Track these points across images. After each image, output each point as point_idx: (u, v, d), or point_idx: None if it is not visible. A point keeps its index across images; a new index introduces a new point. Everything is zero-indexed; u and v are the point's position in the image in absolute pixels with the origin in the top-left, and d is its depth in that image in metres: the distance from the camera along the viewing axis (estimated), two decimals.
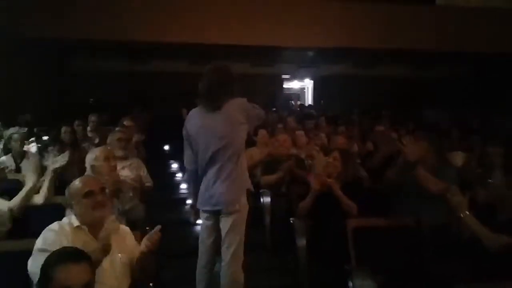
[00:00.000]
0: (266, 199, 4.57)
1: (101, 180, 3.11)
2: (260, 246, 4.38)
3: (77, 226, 2.34)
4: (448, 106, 10.16)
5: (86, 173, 3.38)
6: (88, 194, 2.37)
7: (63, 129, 5.26)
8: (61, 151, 4.24)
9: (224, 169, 3.08)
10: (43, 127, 6.37)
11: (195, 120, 3.18)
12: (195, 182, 3.28)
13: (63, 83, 10.21)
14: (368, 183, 4.50)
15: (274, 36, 8.71)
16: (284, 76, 13.36)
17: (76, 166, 4.05)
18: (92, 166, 3.36)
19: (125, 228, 2.55)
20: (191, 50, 9.60)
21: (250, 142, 5.81)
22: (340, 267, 3.01)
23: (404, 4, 9.40)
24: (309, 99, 14.40)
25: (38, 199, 3.24)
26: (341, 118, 8.29)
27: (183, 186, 6.71)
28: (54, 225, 2.34)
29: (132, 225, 3.17)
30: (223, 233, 3.12)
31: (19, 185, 3.98)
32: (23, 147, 5.09)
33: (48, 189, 3.22)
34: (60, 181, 3.66)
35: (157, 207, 5.52)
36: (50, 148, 4.29)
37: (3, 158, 4.93)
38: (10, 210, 2.90)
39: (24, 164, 4.85)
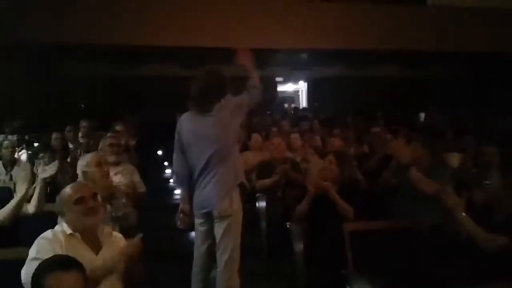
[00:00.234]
0: (262, 204, 4.53)
1: (93, 186, 3.09)
2: (256, 251, 4.34)
3: (70, 234, 2.29)
4: (444, 107, 10.17)
5: (78, 180, 3.33)
6: (79, 201, 2.33)
7: (54, 135, 5.20)
8: (52, 158, 4.19)
9: (216, 172, 3.06)
10: (33, 134, 6.29)
11: (186, 124, 3.17)
12: (184, 185, 3.25)
13: (52, 88, 10.10)
14: (364, 185, 4.48)
15: (267, 38, 8.68)
16: (277, 79, 13.33)
17: (67, 173, 3.99)
18: (84, 172, 3.29)
19: (118, 235, 2.51)
20: (184, 53, 9.56)
21: (244, 147, 5.80)
22: (338, 272, 2.98)
23: (400, 4, 9.42)
24: (303, 102, 14.38)
25: (30, 208, 3.17)
26: (335, 121, 8.27)
27: (177, 191, 6.65)
28: (47, 233, 2.29)
29: (126, 232, 3.13)
30: (217, 238, 3.09)
31: (9, 193, 3.93)
32: (14, 154, 5.02)
33: (39, 199, 3.15)
34: (52, 188, 3.61)
35: (151, 212, 5.48)
36: (40, 155, 4.22)
37: None
38: None
39: (15, 172, 4.79)
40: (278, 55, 10.36)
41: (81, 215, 2.31)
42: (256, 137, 5.69)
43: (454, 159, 4.55)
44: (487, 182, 3.43)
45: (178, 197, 6.46)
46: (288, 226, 3.71)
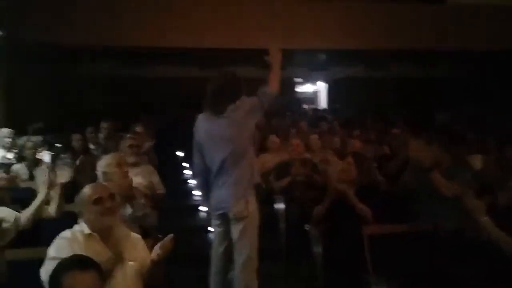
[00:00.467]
0: (280, 205, 4.51)
1: (113, 186, 3.12)
2: (274, 253, 4.32)
3: (89, 234, 2.31)
4: (465, 107, 9.99)
5: (97, 180, 3.36)
6: (97, 201, 2.35)
7: (75, 137, 5.27)
8: (72, 159, 4.25)
9: (231, 174, 3.06)
10: (55, 135, 6.38)
11: (202, 125, 3.20)
12: (205, 188, 3.26)
13: (73, 89, 10.24)
14: (384, 187, 4.42)
15: (285, 39, 8.63)
16: (296, 80, 13.28)
17: (88, 174, 4.03)
18: (104, 173, 3.32)
19: (136, 236, 2.52)
20: (199, 55, 9.59)
21: (262, 148, 5.79)
22: (357, 275, 2.95)
23: (415, 3, 9.29)
24: (323, 103, 14.29)
25: (50, 211, 3.20)
26: (355, 121, 8.20)
27: (196, 192, 6.67)
28: (66, 233, 2.32)
29: (145, 233, 3.15)
30: (234, 240, 3.09)
31: (32, 193, 3.99)
32: (36, 155, 5.11)
33: (58, 203, 3.18)
34: (73, 189, 3.66)
35: (170, 213, 5.51)
36: (62, 156, 4.28)
37: (17, 166, 4.96)
38: (17, 221, 2.87)
39: (37, 172, 4.87)
40: (297, 56, 10.30)
41: (99, 215, 2.33)
42: (273, 139, 5.68)
43: (477, 161, 4.47)
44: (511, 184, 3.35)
45: (197, 198, 6.55)
46: (306, 228, 3.69)
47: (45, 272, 2.11)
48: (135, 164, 4.26)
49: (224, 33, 8.45)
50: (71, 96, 10.21)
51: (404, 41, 9.16)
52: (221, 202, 3.10)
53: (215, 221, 3.19)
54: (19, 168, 4.88)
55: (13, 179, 3.39)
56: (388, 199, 3.94)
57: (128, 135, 4.87)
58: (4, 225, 2.80)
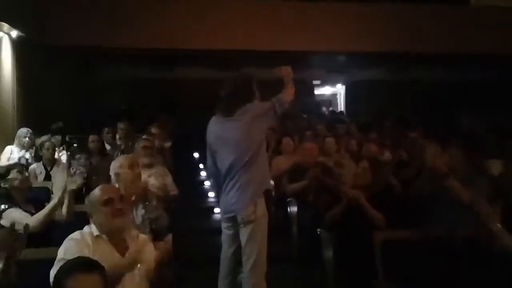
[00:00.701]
0: (293, 209, 4.49)
1: (125, 188, 3.14)
2: (286, 257, 4.30)
3: (97, 235, 2.33)
4: (485, 111, 9.79)
5: (111, 182, 3.39)
6: (107, 202, 2.37)
7: (91, 137, 5.32)
8: (87, 160, 4.30)
9: (240, 177, 3.06)
10: (74, 135, 6.47)
11: (213, 128, 3.21)
12: (217, 190, 3.27)
13: (93, 91, 10.37)
14: (399, 191, 4.35)
15: (304, 41, 8.61)
16: (314, 82, 13.22)
17: (102, 175, 4.06)
18: (116, 174, 3.34)
19: (144, 238, 2.53)
20: (219, 56, 9.62)
21: (276, 151, 5.77)
22: (368, 280, 2.91)
23: (437, 5, 9.14)
24: (341, 105, 14.20)
25: (61, 215, 3.22)
26: (372, 125, 8.10)
27: (211, 194, 6.69)
28: (76, 234, 2.34)
29: (157, 234, 3.17)
30: (242, 243, 3.09)
31: (47, 194, 4.05)
32: (54, 155, 5.19)
33: (68, 208, 3.19)
34: (87, 190, 3.69)
35: (184, 215, 5.53)
36: (77, 156, 4.33)
37: (34, 165, 5.04)
38: (27, 224, 2.90)
39: (54, 172, 4.94)
40: (315, 58, 10.25)
41: (109, 216, 2.34)
42: (287, 141, 5.65)
43: (495, 167, 4.36)
44: None
45: (212, 200, 6.56)
46: (318, 232, 3.66)
47: (53, 273, 2.13)
48: (149, 166, 4.28)
49: (241, 35, 8.45)
50: (93, 97, 10.35)
51: (425, 44, 9.03)
52: (230, 205, 3.10)
53: (224, 224, 3.19)
54: (36, 168, 4.96)
55: (27, 180, 3.42)
56: (403, 204, 3.88)
57: (143, 137, 4.89)
58: (16, 227, 2.84)
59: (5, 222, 3.06)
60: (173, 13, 8.28)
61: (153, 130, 6.08)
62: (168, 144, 6.08)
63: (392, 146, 5.95)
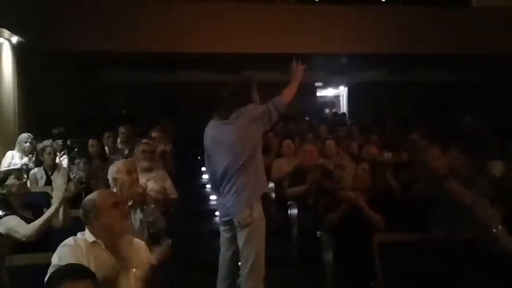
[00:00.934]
0: (293, 211, 4.48)
1: (121, 192, 3.14)
2: (286, 260, 4.29)
3: (93, 242, 2.31)
4: (487, 112, 9.74)
5: (110, 186, 3.38)
6: (117, 204, 2.37)
7: (90, 142, 5.33)
8: (86, 164, 4.30)
9: (236, 180, 3.05)
10: (76, 140, 6.48)
11: (210, 132, 3.21)
12: (216, 193, 3.27)
13: (94, 95, 10.39)
14: (400, 194, 4.33)
15: (304, 43, 8.60)
16: (316, 84, 13.20)
17: (102, 179, 4.06)
18: (114, 179, 3.35)
19: (139, 242, 2.52)
20: (220, 59, 9.62)
21: (277, 154, 5.75)
22: (367, 283, 2.89)
23: (438, 7, 9.11)
24: (344, 107, 14.18)
25: (57, 223, 3.22)
26: (374, 127, 8.08)
27: (213, 197, 6.67)
28: (69, 240, 2.31)
29: (155, 238, 3.16)
30: (240, 246, 3.08)
31: (46, 199, 4.05)
32: (55, 159, 5.19)
33: (64, 216, 3.18)
34: (86, 194, 3.69)
35: (187, 218, 5.53)
36: (76, 161, 4.33)
37: (35, 170, 5.05)
38: (23, 233, 2.89)
39: (55, 177, 4.94)
40: (317, 60, 10.24)
41: (119, 218, 2.34)
42: (287, 144, 5.64)
43: (496, 168, 4.32)
44: None
45: (213, 202, 6.55)
46: (318, 235, 3.65)
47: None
48: (148, 169, 4.28)
49: (242, 38, 8.44)
50: (94, 102, 10.37)
51: (427, 45, 9.00)
52: (226, 208, 3.10)
53: (222, 227, 3.19)
54: (37, 172, 4.97)
55: (24, 185, 3.42)
56: (403, 206, 3.86)
57: (143, 140, 4.89)
58: (13, 234, 2.84)
59: (1, 229, 3.06)
60: (173, 17, 8.29)
61: (154, 134, 6.08)
62: (168, 148, 6.08)
63: (393, 148, 5.93)
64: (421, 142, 5.42)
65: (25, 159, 5.47)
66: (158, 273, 2.37)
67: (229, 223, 3.11)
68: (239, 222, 3.02)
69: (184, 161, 7.34)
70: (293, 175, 4.79)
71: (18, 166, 5.11)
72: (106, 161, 5.11)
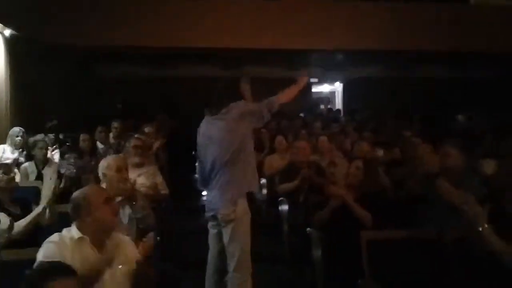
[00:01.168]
0: (284, 208, 4.47)
1: (110, 188, 3.13)
2: (277, 256, 4.29)
3: (79, 238, 2.29)
4: (483, 109, 9.75)
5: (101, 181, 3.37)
6: (108, 200, 2.36)
7: (81, 136, 5.30)
8: (77, 159, 4.27)
9: (221, 175, 3.07)
10: (69, 134, 6.45)
11: (202, 128, 3.25)
12: (205, 189, 3.28)
13: (90, 89, 10.33)
14: (391, 192, 4.33)
15: (301, 39, 8.57)
16: (312, 80, 13.16)
17: (92, 174, 4.05)
18: (104, 174, 3.33)
19: (125, 239, 2.51)
20: (219, 55, 9.58)
21: (270, 150, 5.74)
22: (354, 280, 2.88)
23: (436, 3, 9.08)
24: (339, 103, 14.17)
25: (43, 221, 3.20)
26: (368, 123, 8.07)
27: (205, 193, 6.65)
28: (54, 237, 2.29)
29: (144, 233, 3.14)
30: (225, 243, 3.09)
31: (36, 194, 4.02)
32: (46, 154, 5.16)
33: (51, 213, 3.18)
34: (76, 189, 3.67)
35: (178, 214, 5.51)
36: (66, 156, 4.31)
37: (26, 164, 5.02)
38: (8, 232, 2.88)
39: (45, 171, 4.91)
40: (312, 56, 10.22)
41: (111, 214, 2.34)
42: (279, 140, 5.63)
43: (488, 166, 4.32)
44: None
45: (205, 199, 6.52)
46: (308, 232, 3.64)
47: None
48: (139, 165, 4.27)
49: (239, 33, 8.40)
50: (88, 96, 10.30)
51: (424, 41, 8.98)
52: (211, 204, 3.13)
53: (209, 223, 3.21)
54: (28, 166, 4.94)
55: (12, 180, 3.40)
56: (395, 204, 3.86)
57: (135, 135, 4.86)
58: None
59: None
60: (172, 11, 8.24)
61: (146, 129, 6.05)
62: (161, 143, 6.02)
63: (385, 145, 5.92)
64: (414, 140, 5.42)
65: (17, 153, 5.43)
66: (146, 268, 2.35)
67: (215, 219, 3.12)
68: (222, 217, 3.04)
69: (180, 156, 7.30)
70: (285, 172, 4.77)
71: (9, 161, 5.08)
72: (97, 156, 5.08)
